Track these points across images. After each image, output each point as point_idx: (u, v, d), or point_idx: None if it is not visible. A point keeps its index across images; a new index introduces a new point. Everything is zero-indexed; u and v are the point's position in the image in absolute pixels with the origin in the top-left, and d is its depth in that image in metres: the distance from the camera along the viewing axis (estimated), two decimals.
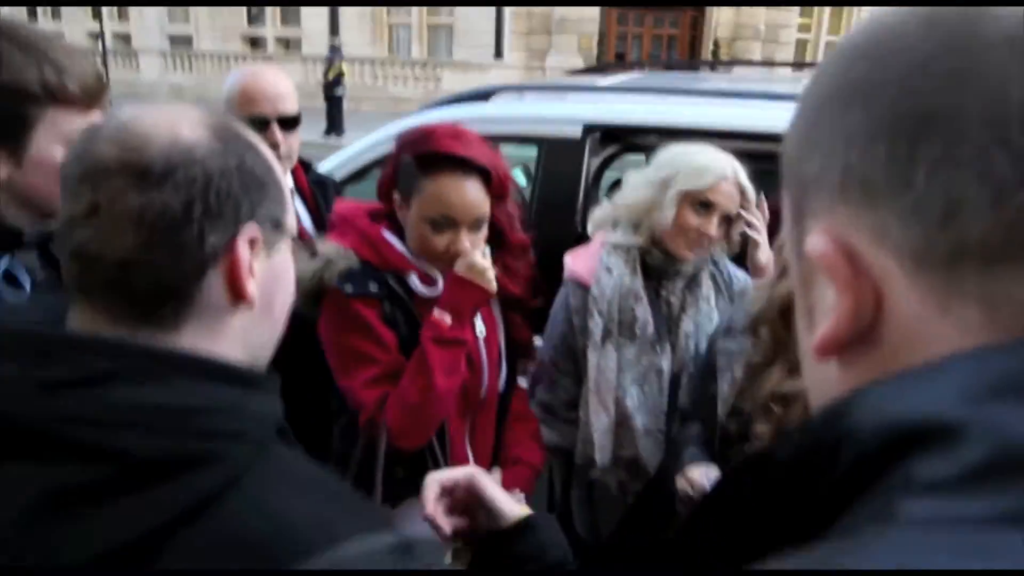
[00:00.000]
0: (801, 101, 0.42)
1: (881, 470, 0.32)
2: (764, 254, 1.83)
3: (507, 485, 1.60)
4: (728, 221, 1.77)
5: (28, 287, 1.04)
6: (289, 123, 1.82)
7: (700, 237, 1.74)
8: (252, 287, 0.65)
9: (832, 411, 0.35)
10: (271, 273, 0.69)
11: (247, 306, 0.66)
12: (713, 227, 1.73)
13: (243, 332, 0.67)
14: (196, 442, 0.58)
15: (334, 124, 13.45)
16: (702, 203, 1.72)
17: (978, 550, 0.28)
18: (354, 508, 0.69)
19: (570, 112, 2.39)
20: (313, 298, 1.44)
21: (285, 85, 1.83)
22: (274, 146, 1.78)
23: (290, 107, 1.82)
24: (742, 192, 1.75)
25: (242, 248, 0.64)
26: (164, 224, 0.60)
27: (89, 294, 0.63)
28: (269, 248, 0.68)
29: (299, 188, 1.97)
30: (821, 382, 0.42)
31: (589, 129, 2.31)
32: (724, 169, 1.72)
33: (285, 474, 0.64)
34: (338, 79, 13.65)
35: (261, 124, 1.75)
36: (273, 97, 1.79)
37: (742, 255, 1.90)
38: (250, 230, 0.65)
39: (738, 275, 1.93)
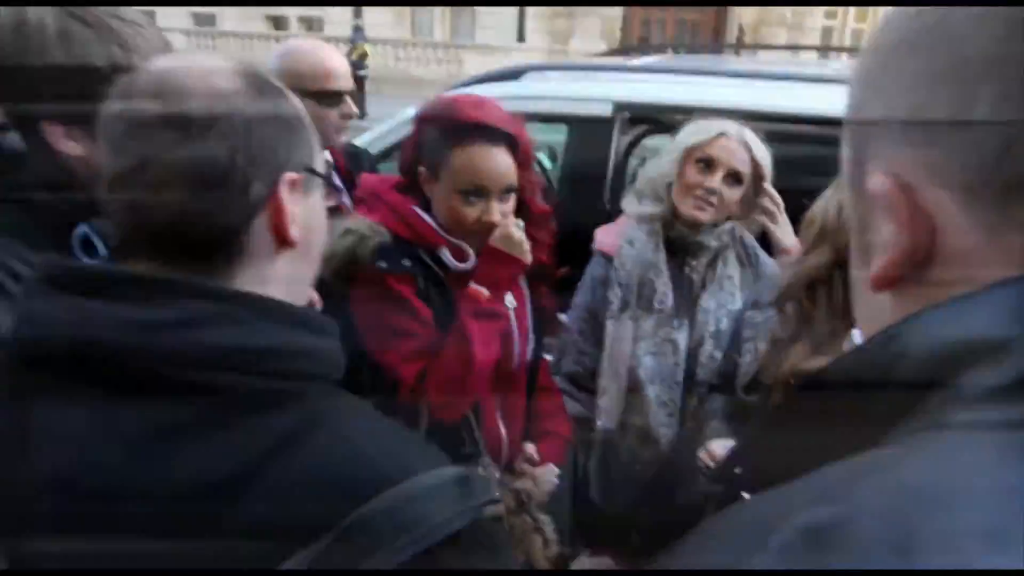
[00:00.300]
0: (865, 50, 0.45)
1: (932, 387, 0.34)
2: (787, 237, 1.81)
3: (542, 459, 1.63)
4: (738, 180, 1.77)
5: (103, 252, 1.06)
6: (354, 95, 1.96)
7: (706, 194, 1.75)
8: (295, 231, 0.68)
9: (886, 335, 0.38)
10: (308, 216, 0.71)
11: (290, 250, 0.69)
12: (716, 182, 1.75)
13: (286, 275, 0.70)
14: (282, 381, 0.61)
15: (357, 106, 13.43)
16: (704, 160, 1.76)
17: (1019, 447, 0.30)
18: (417, 442, 0.73)
19: (600, 91, 2.39)
20: (345, 274, 1.44)
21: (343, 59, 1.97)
22: (349, 117, 1.92)
23: (351, 81, 1.96)
24: (752, 157, 1.76)
25: (284, 194, 0.66)
26: (212, 174, 0.62)
27: (142, 248, 0.65)
28: (306, 192, 0.70)
29: (334, 160, 2.00)
30: (875, 312, 0.45)
31: (619, 108, 2.32)
32: (725, 126, 1.76)
33: (356, 411, 0.67)
34: (361, 60, 13.65)
35: (335, 97, 1.87)
36: (345, 72, 1.92)
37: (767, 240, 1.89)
38: (289, 175, 0.67)
39: (767, 260, 1.93)
